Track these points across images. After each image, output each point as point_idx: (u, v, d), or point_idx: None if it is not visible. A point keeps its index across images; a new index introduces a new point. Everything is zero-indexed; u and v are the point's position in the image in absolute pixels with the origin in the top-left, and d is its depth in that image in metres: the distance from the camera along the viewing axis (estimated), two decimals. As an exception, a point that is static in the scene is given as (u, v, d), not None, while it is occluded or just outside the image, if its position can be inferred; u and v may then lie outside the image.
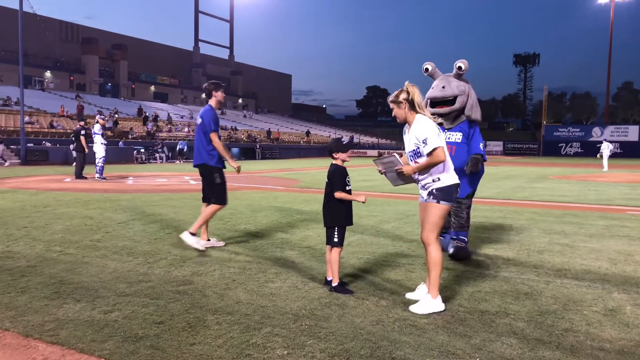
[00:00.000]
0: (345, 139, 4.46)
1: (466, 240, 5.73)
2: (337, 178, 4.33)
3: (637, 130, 59.91)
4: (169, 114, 50.12)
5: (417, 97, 4.00)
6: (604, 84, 64.93)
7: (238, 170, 6.18)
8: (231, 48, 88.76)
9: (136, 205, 9.80)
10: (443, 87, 5.58)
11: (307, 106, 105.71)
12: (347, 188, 4.35)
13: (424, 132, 3.87)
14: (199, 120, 6.05)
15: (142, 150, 34.02)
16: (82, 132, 16.35)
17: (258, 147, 45.62)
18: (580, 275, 5.01)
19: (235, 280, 4.63)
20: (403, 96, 4.00)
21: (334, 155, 4.40)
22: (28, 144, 27.71)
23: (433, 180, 3.98)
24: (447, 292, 4.29)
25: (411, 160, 4.07)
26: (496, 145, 68.53)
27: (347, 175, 4.39)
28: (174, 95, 72.26)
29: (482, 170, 5.73)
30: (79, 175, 16.46)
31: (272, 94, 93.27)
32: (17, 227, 7.20)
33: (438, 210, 3.96)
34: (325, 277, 4.50)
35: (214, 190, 6.01)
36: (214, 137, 5.94)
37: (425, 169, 3.94)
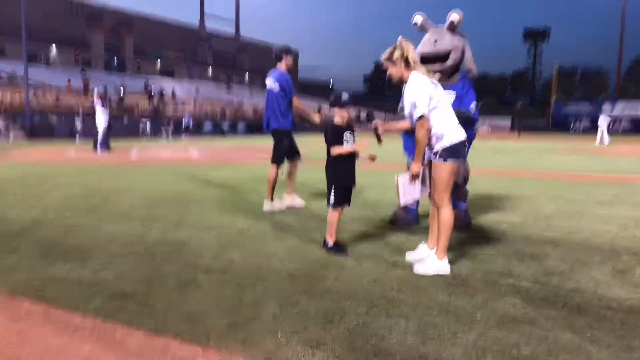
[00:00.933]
0: (345, 96, 4.24)
1: (465, 208, 5.42)
2: (331, 135, 4.17)
3: (648, 106, 58.93)
4: (173, 90, 49.79)
5: (412, 53, 3.80)
6: (615, 60, 63.82)
7: (319, 120, 6.83)
8: (237, 24, 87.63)
9: (138, 175, 9.69)
10: (435, 42, 5.05)
11: (314, 83, 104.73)
12: (345, 144, 4.18)
13: (414, 94, 3.68)
14: (274, 85, 6.11)
15: (148, 123, 33.88)
16: (100, 103, 16.24)
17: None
18: (588, 238, 4.84)
19: (232, 243, 4.51)
20: (397, 53, 3.79)
21: (332, 111, 4.23)
22: (33, 119, 27.65)
23: (437, 139, 3.78)
24: (449, 255, 4.11)
25: (411, 122, 3.86)
26: (505, 121, 67.79)
27: (347, 130, 4.20)
28: (180, 70, 71.73)
29: (472, 134, 5.37)
30: (96, 145, 16.43)
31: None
32: (15, 194, 7.10)
33: (446, 169, 3.76)
34: (324, 239, 4.35)
35: (278, 151, 6.22)
36: (296, 101, 6.18)
37: (423, 148, 3.73)
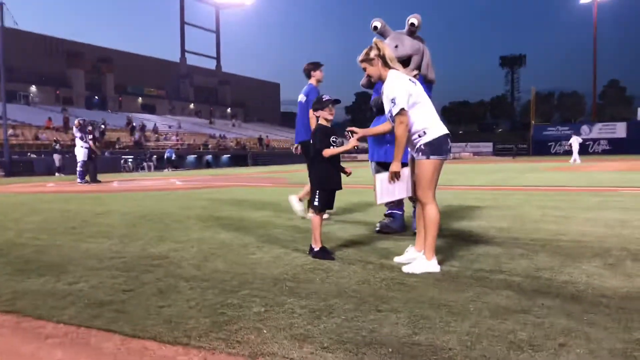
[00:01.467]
0: (327, 96, 4.19)
1: (401, 213, 5.32)
2: (320, 137, 4.09)
3: (624, 127, 60.09)
4: (155, 124, 49.70)
5: (388, 52, 3.80)
6: (590, 83, 65.36)
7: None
8: (218, 58, 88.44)
9: (118, 200, 9.50)
10: (396, 47, 4.98)
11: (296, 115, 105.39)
12: (333, 147, 4.10)
13: (393, 90, 3.65)
14: (304, 99, 6.31)
15: (130, 159, 33.63)
16: (89, 136, 16.03)
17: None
18: (577, 238, 4.79)
19: (214, 254, 4.37)
20: (374, 52, 3.78)
21: (315, 114, 4.17)
22: (13, 156, 27.27)
23: (419, 136, 3.72)
24: (437, 256, 4.03)
25: (392, 121, 3.81)
26: (486, 147, 68.63)
27: (333, 134, 4.14)
28: (161, 106, 71.81)
29: None
30: (93, 179, 16.12)
31: (261, 103, 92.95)
32: (-10, 221, 6.88)
33: (430, 165, 3.68)
34: (310, 246, 4.24)
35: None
36: (310, 113, 6.22)
37: (403, 144, 3.67)
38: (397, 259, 3.95)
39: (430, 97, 5.08)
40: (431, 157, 3.67)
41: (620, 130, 59.95)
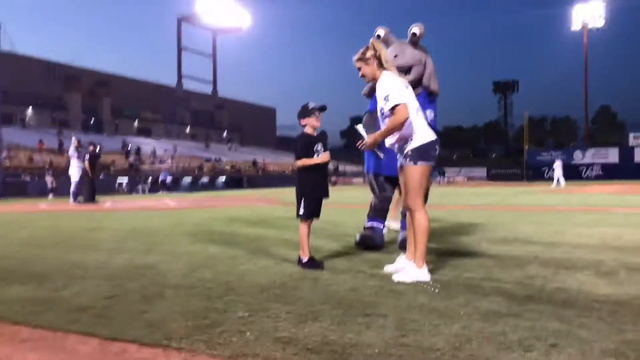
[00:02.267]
0: (313, 104, 4.16)
1: (382, 227, 5.19)
2: (300, 146, 4.06)
3: (617, 152, 60.50)
4: (154, 148, 49.69)
5: (384, 53, 3.80)
6: (582, 109, 66.04)
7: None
8: (215, 83, 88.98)
9: (109, 218, 9.41)
10: (396, 56, 4.92)
11: (292, 139, 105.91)
12: (316, 156, 4.06)
13: (386, 88, 3.62)
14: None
15: (124, 182, 33.48)
16: (87, 156, 15.93)
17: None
18: (570, 250, 4.74)
19: (202, 265, 4.29)
20: (370, 53, 3.77)
21: (302, 122, 4.13)
22: (6, 178, 27.12)
23: (406, 142, 3.70)
24: (428, 265, 3.96)
25: (382, 123, 3.80)
26: (480, 172, 68.86)
27: (316, 143, 4.10)
28: (157, 130, 71.86)
29: None
30: (88, 199, 15.94)
31: (257, 127, 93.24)
32: (-23, 236, 6.78)
33: (417, 172, 3.65)
34: (298, 257, 4.16)
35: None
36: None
37: (391, 132, 3.65)
38: (387, 268, 3.88)
39: (434, 110, 5.10)
40: (419, 162, 3.64)
41: (612, 155, 60.29)
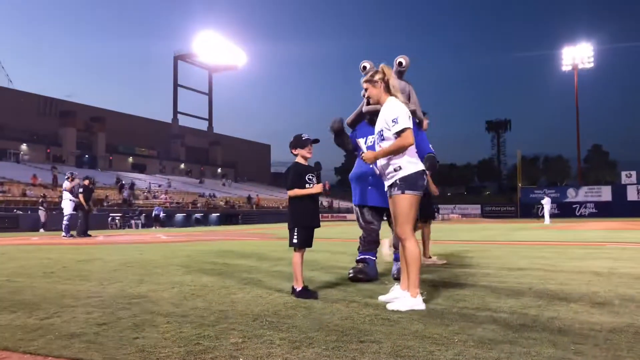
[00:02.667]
0: (306, 135, 4.21)
1: (374, 258, 5.13)
2: (292, 175, 4.08)
3: (609, 191, 60.91)
4: (149, 184, 49.62)
5: (393, 79, 3.85)
6: (574, 147, 66.81)
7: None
8: (210, 120, 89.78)
9: (101, 250, 9.32)
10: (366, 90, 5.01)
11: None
12: (308, 186, 4.08)
13: (395, 112, 3.66)
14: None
15: (118, 217, 33.31)
16: (80, 189, 15.87)
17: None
18: (564, 282, 4.73)
19: (194, 294, 4.25)
20: (378, 76, 3.84)
21: (293, 151, 4.17)
22: (-2, 212, 26.95)
23: (395, 170, 3.71)
24: (422, 295, 3.95)
25: (377, 146, 3.85)
26: (474, 209, 69.04)
27: (308, 172, 4.13)
28: (152, 165, 71.97)
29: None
30: (81, 233, 15.80)
31: (252, 163, 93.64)
32: (-33, 267, 6.69)
33: (405, 201, 3.66)
34: (292, 286, 4.14)
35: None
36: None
37: (392, 154, 3.69)
38: (381, 298, 3.86)
39: (426, 140, 5.15)
40: (406, 191, 3.65)
41: (605, 193, 60.70)
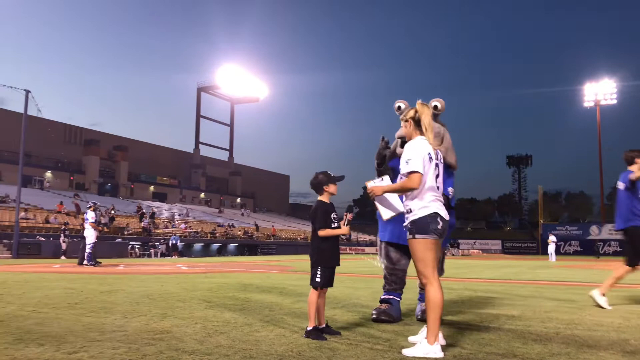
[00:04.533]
0: (334, 173, 4.25)
1: (399, 299, 5.08)
2: (320, 215, 4.10)
3: (634, 228, 59.61)
4: (172, 214, 50.05)
5: (425, 117, 3.82)
6: (597, 184, 65.84)
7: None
8: (231, 150, 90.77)
9: (123, 281, 9.39)
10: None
11: (305, 206, 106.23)
12: (333, 225, 4.11)
13: (410, 153, 3.69)
14: (621, 186, 6.30)
15: (137, 245, 33.57)
16: (86, 218, 16.15)
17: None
18: (592, 327, 4.63)
19: (218, 331, 4.25)
20: (410, 114, 3.87)
21: (325, 188, 4.19)
22: (21, 238, 27.33)
23: (407, 212, 3.73)
24: (447, 339, 3.91)
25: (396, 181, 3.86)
26: (495, 244, 68.09)
27: (333, 211, 4.16)
28: (172, 194, 72.71)
29: (452, 222, 5.14)
30: (83, 261, 15.97)
31: (271, 193, 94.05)
32: (-7, 295, 6.80)
33: (418, 244, 3.63)
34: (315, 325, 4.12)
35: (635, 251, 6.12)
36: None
37: (397, 192, 3.72)
38: (411, 339, 3.82)
39: (452, 183, 5.13)
40: (417, 235, 3.63)
41: (630, 231, 59.40)
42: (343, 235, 4.15)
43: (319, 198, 4.21)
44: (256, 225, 55.52)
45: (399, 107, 5.25)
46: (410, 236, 3.66)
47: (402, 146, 5.13)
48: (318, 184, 4.20)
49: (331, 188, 4.18)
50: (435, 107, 5.16)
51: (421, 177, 3.62)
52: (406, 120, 3.89)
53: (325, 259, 4.11)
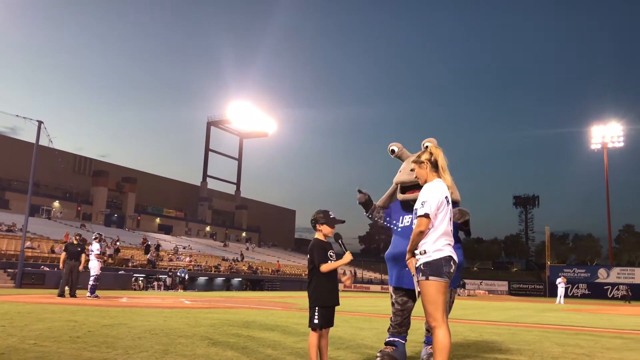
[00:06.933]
0: (333, 214, 4.24)
1: (404, 342, 5.03)
2: (318, 251, 4.08)
3: (643, 272, 58.75)
4: (176, 247, 49.95)
5: (441, 159, 3.88)
6: (604, 226, 65.21)
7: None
8: (238, 184, 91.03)
9: (125, 314, 9.32)
10: (412, 170, 4.74)
11: (310, 241, 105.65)
12: (331, 260, 4.08)
13: (427, 195, 3.70)
14: None
15: (141, 277, 33.39)
16: (78, 248, 16.11)
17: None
18: (600, 376, 4.54)
19: (220, 369, 4.20)
20: (425, 156, 3.90)
21: (317, 227, 4.19)
22: (25, 267, 27.27)
23: (420, 253, 3.70)
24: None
25: (414, 224, 3.83)
26: (501, 285, 67.15)
27: (330, 249, 4.15)
28: (178, 227, 72.69)
29: (460, 260, 5.08)
30: (63, 293, 15.77)
31: (276, 228, 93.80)
32: (-5, 326, 6.76)
33: (430, 287, 3.59)
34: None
35: None
36: None
37: (414, 242, 3.70)
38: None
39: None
40: (430, 277, 3.60)
41: (639, 275, 58.56)
42: (347, 262, 4.11)
43: (315, 236, 4.22)
44: (250, 267, 55.06)
45: (393, 151, 5.27)
46: (423, 277, 3.62)
47: (402, 192, 5.19)
48: (314, 222, 4.21)
49: (325, 229, 4.15)
50: (426, 147, 5.18)
51: (430, 222, 3.63)
52: (421, 162, 3.91)
53: (322, 298, 4.07)
